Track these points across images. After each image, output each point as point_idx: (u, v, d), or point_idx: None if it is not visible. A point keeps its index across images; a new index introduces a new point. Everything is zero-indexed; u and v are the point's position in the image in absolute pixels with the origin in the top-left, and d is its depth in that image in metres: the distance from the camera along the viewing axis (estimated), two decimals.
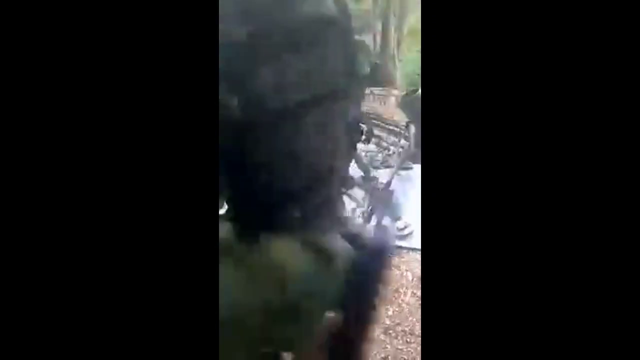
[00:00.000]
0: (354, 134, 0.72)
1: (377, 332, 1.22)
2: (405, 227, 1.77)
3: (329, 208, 0.71)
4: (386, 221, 1.60)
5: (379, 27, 3.65)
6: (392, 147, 2.47)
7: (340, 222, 0.73)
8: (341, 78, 0.67)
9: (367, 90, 3.49)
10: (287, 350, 0.66)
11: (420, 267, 1.42)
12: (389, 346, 1.18)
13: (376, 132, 2.91)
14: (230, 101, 0.59)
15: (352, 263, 0.68)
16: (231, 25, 0.58)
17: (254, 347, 0.65)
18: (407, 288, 1.44)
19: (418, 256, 1.58)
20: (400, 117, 2.91)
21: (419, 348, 1.17)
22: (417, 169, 2.17)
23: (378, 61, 3.69)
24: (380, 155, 2.47)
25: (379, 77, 3.67)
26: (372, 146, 2.68)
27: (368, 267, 0.71)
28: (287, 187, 0.64)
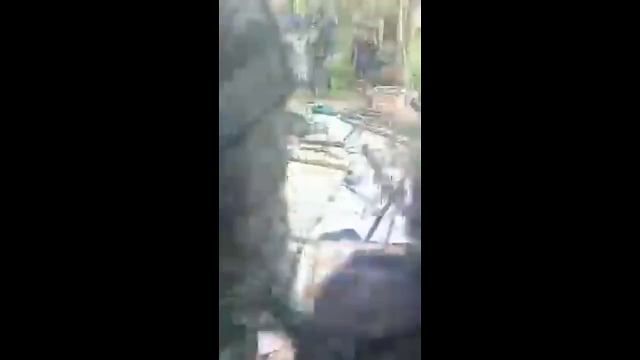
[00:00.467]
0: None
1: None
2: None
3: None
4: (399, 221, 1.57)
5: (381, 23, 3.62)
6: (401, 147, 2.44)
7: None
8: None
9: (376, 89, 3.46)
10: None
11: None
12: None
13: (387, 130, 2.88)
14: None
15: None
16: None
17: None
18: None
19: None
20: (410, 115, 2.88)
21: None
22: None
23: (383, 59, 3.67)
24: (390, 154, 2.44)
25: (383, 75, 3.64)
26: (381, 145, 2.65)
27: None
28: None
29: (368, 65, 3.80)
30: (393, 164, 2.28)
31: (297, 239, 1.63)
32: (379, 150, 2.43)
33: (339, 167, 2.40)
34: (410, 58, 3.86)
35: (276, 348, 1.12)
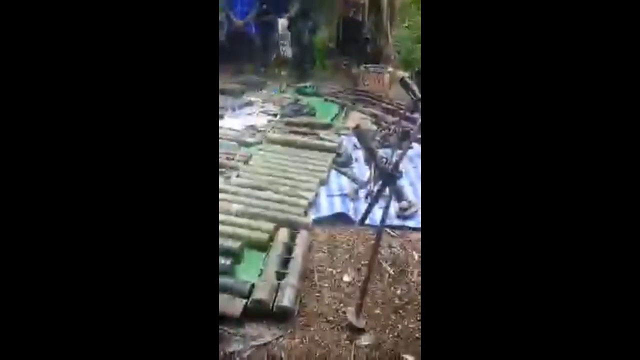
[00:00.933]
0: None
1: (387, 312, 1.20)
2: (410, 206, 1.73)
3: None
4: (393, 203, 1.56)
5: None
6: (392, 127, 2.40)
7: None
8: None
9: (362, 67, 3.37)
10: None
11: None
12: (400, 325, 1.16)
13: (375, 110, 2.82)
14: None
15: None
16: None
17: None
18: (413, 267, 1.42)
19: None
20: (397, 95, 2.84)
21: None
22: (417, 147, 2.11)
23: (368, 36, 3.56)
24: (379, 134, 2.40)
25: (370, 52, 3.54)
26: (371, 125, 2.60)
27: None
28: None
29: (353, 43, 3.68)
30: (383, 144, 2.24)
31: (291, 224, 1.59)
32: (368, 130, 2.38)
33: (328, 150, 2.34)
34: (395, 35, 3.78)
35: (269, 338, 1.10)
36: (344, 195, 1.90)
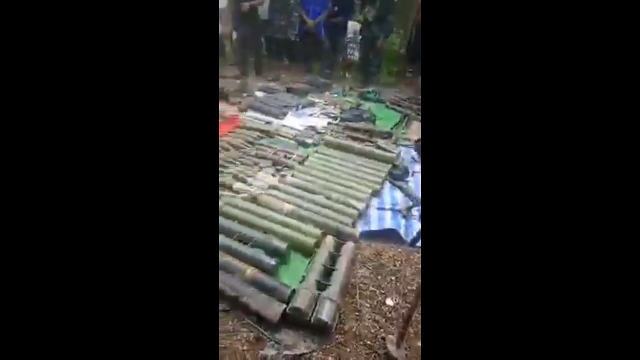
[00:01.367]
0: None
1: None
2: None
3: None
4: None
5: None
6: None
7: None
8: None
9: None
10: None
11: None
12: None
13: None
14: None
15: None
16: None
17: None
18: None
19: None
20: None
21: None
22: None
23: None
24: None
25: None
26: None
27: None
28: None
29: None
30: None
31: (338, 233, 1.55)
32: None
33: (385, 160, 2.26)
34: None
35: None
36: (396, 211, 1.81)
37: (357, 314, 1.22)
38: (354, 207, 1.74)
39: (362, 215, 1.75)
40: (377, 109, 3.18)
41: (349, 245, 1.48)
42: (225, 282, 1.24)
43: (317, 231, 1.54)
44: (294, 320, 1.14)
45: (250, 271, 1.28)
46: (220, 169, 2.12)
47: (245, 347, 1.07)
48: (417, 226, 1.70)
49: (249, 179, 1.99)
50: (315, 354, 1.06)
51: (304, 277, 1.32)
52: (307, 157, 2.32)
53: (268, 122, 2.91)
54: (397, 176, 2.13)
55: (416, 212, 1.80)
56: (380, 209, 1.83)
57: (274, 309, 1.15)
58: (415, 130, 2.87)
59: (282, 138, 2.62)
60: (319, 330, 1.12)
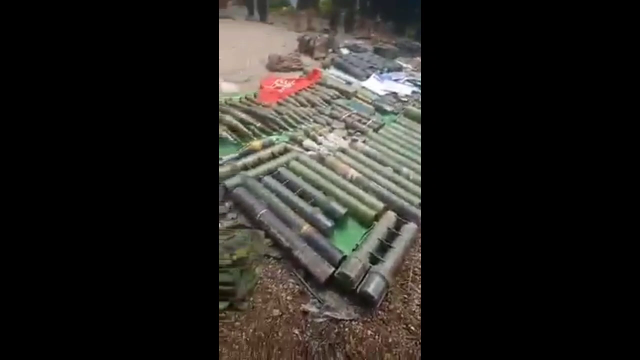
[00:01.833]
0: None
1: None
2: None
3: None
4: None
5: None
6: None
7: None
8: None
9: None
10: None
11: None
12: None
13: None
14: None
15: None
16: None
17: None
18: None
19: None
20: None
21: None
22: None
23: None
24: None
25: None
26: None
27: None
28: None
29: None
30: None
31: (402, 211, 1.46)
32: None
33: None
34: None
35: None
36: None
37: (405, 296, 1.16)
38: None
39: None
40: None
41: (411, 226, 1.39)
42: (282, 232, 1.27)
43: (380, 204, 1.47)
44: (340, 285, 1.13)
45: (306, 227, 1.29)
46: (293, 123, 2.13)
47: (289, 298, 1.11)
48: None
49: (320, 138, 1.97)
50: (354, 323, 1.05)
51: (357, 245, 1.29)
52: (383, 125, 2.18)
53: (349, 83, 2.79)
54: None
55: None
56: None
57: (323, 269, 1.15)
58: None
59: (360, 101, 2.50)
60: (363, 302, 1.10)
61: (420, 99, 2.54)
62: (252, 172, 1.60)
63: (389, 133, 2.08)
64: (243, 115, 2.04)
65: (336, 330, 1.03)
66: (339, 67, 3.03)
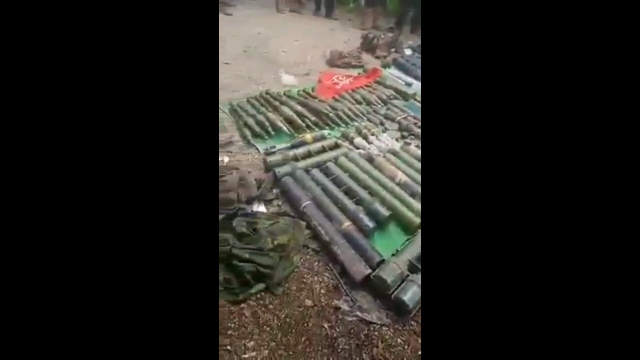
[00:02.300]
0: None
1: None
2: None
3: None
4: None
5: None
6: None
7: None
8: None
9: None
10: None
11: None
12: None
13: None
14: None
15: None
16: None
17: None
18: None
19: None
20: None
21: None
22: None
23: None
24: None
25: None
26: None
27: None
28: None
29: None
30: None
31: None
32: None
33: None
34: None
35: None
36: None
37: None
38: None
39: None
40: None
41: None
42: (323, 225, 1.29)
43: None
44: (375, 287, 1.12)
45: (347, 224, 1.29)
46: (346, 120, 2.12)
47: (322, 291, 1.12)
48: None
49: (371, 137, 1.94)
50: (385, 328, 1.03)
51: (397, 251, 1.25)
52: None
53: (408, 84, 2.71)
54: None
55: None
56: None
57: (359, 269, 1.14)
58: None
59: (417, 103, 2.41)
60: (397, 309, 1.07)
61: None
62: (301, 164, 1.64)
63: None
64: (299, 108, 2.09)
65: (365, 331, 1.02)
66: (400, 67, 2.95)
